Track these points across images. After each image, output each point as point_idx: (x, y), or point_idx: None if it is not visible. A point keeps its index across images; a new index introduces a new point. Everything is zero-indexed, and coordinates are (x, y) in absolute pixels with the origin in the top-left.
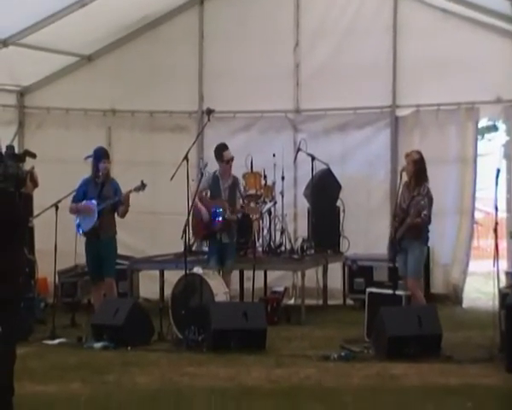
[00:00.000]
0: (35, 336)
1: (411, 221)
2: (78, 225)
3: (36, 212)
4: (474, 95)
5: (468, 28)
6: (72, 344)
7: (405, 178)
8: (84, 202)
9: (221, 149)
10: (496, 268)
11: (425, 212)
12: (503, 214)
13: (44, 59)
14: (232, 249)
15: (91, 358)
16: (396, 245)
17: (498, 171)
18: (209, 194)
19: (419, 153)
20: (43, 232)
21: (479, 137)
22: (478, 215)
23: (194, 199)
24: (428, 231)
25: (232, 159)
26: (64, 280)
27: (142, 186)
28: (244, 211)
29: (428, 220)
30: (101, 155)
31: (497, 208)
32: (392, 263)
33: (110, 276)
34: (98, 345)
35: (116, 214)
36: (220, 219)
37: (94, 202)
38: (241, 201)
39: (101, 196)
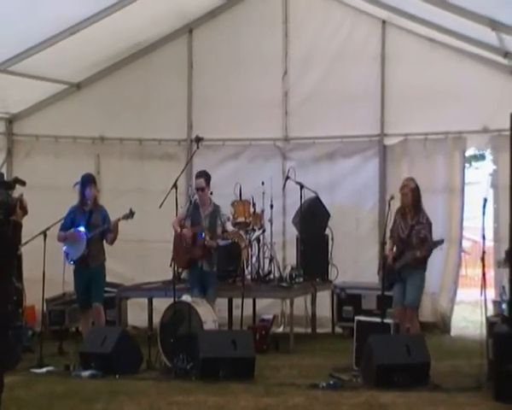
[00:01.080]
0: (22, 364)
1: (420, 255)
2: (67, 254)
3: (24, 239)
4: (461, 124)
5: (455, 58)
6: (59, 373)
7: (394, 206)
8: (72, 230)
9: (195, 177)
10: (483, 297)
11: (429, 244)
12: (490, 243)
13: (33, 86)
14: (213, 278)
15: (79, 386)
16: (395, 275)
17: (485, 200)
18: (189, 223)
19: (414, 181)
20: (31, 260)
21: (466, 165)
22: (465, 244)
23: (177, 227)
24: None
25: (202, 188)
26: (52, 308)
27: (131, 214)
28: (224, 237)
29: (431, 251)
30: (87, 181)
31: (484, 237)
32: (382, 292)
33: (98, 301)
34: (86, 373)
35: (105, 241)
36: (203, 234)
37: (82, 229)
38: (220, 229)
39: (90, 223)
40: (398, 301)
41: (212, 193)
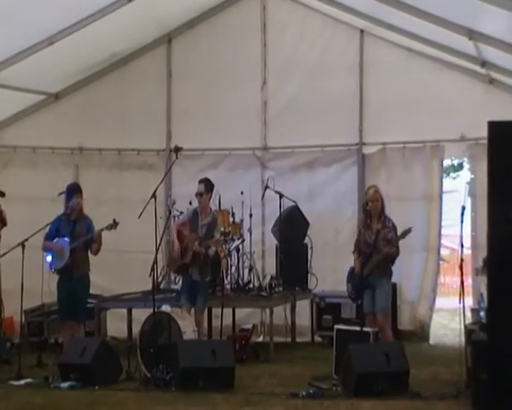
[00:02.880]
0: (1, 376)
1: (388, 250)
2: (51, 263)
3: (2, 251)
4: (439, 133)
5: (433, 67)
6: (38, 384)
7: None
8: (56, 239)
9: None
10: (462, 305)
11: (396, 244)
12: (467, 251)
13: (11, 97)
14: (203, 287)
15: (58, 398)
16: (364, 281)
17: (463, 208)
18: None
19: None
20: (9, 271)
21: (444, 175)
22: (443, 252)
23: (177, 231)
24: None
25: (200, 194)
26: (30, 319)
27: (114, 224)
28: (208, 245)
29: (398, 251)
30: (73, 191)
31: (462, 245)
32: (354, 300)
33: (78, 319)
34: (65, 385)
35: (89, 252)
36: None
37: (66, 239)
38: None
39: (74, 233)
40: (368, 309)
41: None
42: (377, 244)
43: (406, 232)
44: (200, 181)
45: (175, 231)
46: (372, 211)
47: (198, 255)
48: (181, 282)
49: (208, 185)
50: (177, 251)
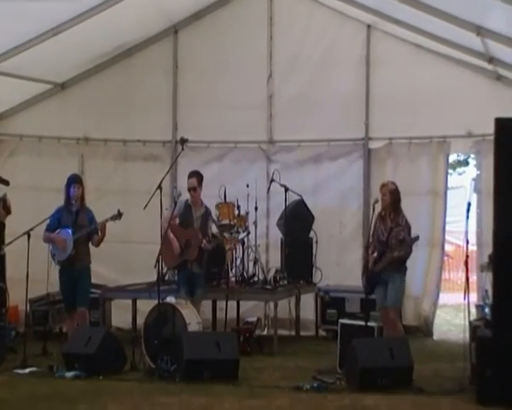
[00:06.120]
0: (5, 365)
1: (398, 254)
2: (53, 255)
3: (8, 239)
4: (445, 129)
5: (440, 63)
6: (43, 373)
7: (378, 210)
8: (58, 230)
9: (187, 177)
10: (466, 301)
11: (406, 242)
12: (473, 248)
13: (17, 86)
14: (201, 279)
15: (63, 387)
16: (376, 278)
17: (469, 204)
18: (177, 221)
19: (394, 184)
20: (14, 260)
21: (450, 171)
22: (448, 248)
23: (167, 227)
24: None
25: (193, 188)
26: (35, 308)
27: (119, 215)
28: (219, 241)
29: (410, 251)
30: (71, 181)
31: (467, 241)
32: (366, 296)
33: (83, 306)
34: (70, 374)
35: (90, 243)
36: None
37: (69, 230)
38: (212, 230)
39: (76, 224)
40: (381, 305)
41: None
42: (389, 243)
43: (413, 240)
44: (191, 175)
45: (168, 226)
46: (382, 204)
47: (204, 251)
48: (178, 275)
49: (200, 178)
50: (177, 249)
